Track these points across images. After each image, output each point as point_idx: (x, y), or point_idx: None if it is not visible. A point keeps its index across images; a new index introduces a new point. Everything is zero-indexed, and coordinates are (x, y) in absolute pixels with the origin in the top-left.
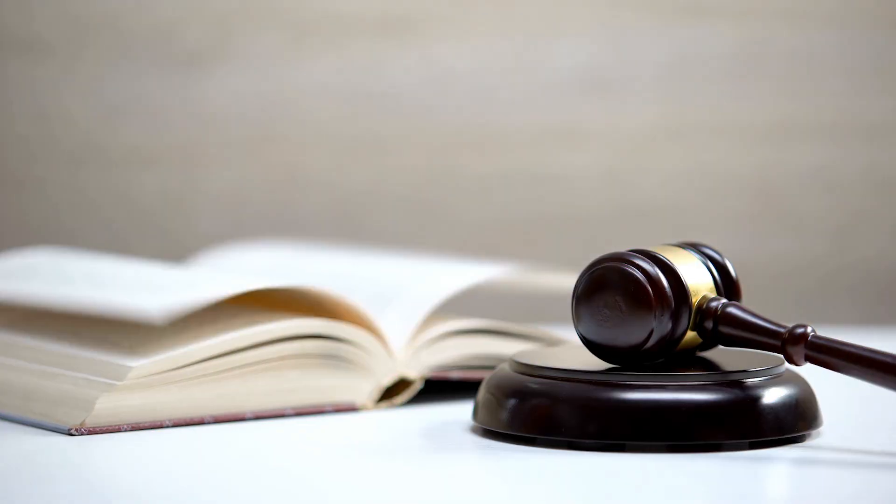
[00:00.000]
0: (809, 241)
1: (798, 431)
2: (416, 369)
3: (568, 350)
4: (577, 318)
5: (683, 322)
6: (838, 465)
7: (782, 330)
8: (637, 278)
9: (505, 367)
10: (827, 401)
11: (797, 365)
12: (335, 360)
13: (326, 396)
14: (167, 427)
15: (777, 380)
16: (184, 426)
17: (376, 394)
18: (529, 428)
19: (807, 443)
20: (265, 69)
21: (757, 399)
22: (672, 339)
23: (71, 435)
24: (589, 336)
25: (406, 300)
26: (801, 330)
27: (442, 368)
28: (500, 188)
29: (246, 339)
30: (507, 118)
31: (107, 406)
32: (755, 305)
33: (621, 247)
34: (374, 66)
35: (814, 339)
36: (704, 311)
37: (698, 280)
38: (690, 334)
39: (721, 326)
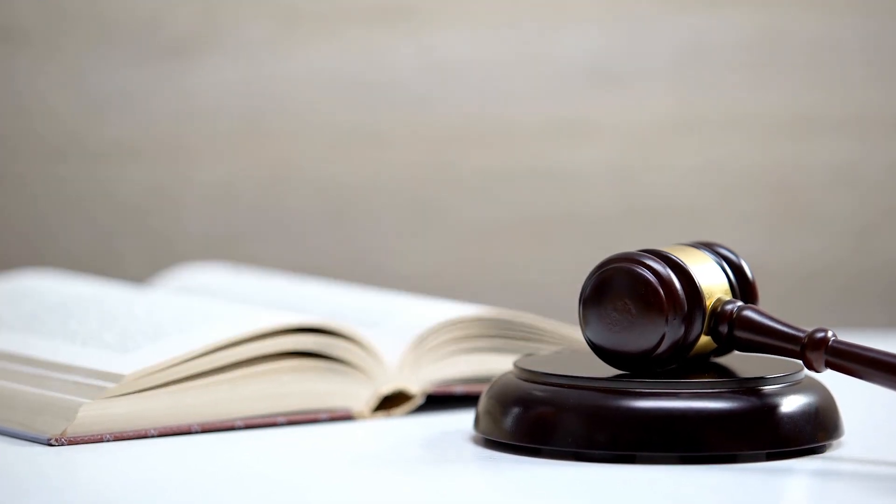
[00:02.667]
0: (832, 241)
1: (818, 442)
2: (418, 384)
3: (574, 355)
4: (585, 322)
5: (697, 326)
6: (860, 476)
7: (801, 334)
8: (647, 280)
9: (508, 374)
10: (848, 409)
11: (817, 371)
12: (331, 364)
13: (321, 402)
14: (152, 436)
15: (796, 387)
16: (170, 435)
17: (374, 402)
18: (534, 438)
19: (827, 454)
20: (255, 58)
21: (774, 407)
22: (685, 344)
23: (50, 445)
24: (597, 341)
25: (399, 321)
26: (821, 334)
27: (445, 383)
28: (504, 185)
29: (239, 337)
30: (511, 111)
31: (89, 414)
32: (774, 309)
33: (631, 247)
34: (369, 55)
35: (834, 344)
36: (719, 314)
37: (712, 281)
38: (704, 339)
39: (737, 330)
